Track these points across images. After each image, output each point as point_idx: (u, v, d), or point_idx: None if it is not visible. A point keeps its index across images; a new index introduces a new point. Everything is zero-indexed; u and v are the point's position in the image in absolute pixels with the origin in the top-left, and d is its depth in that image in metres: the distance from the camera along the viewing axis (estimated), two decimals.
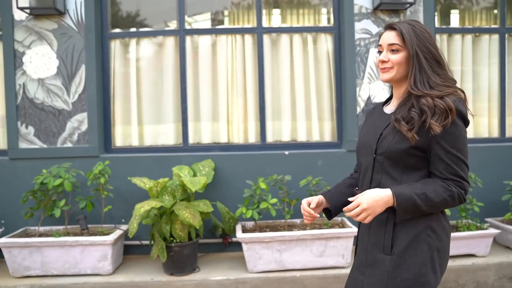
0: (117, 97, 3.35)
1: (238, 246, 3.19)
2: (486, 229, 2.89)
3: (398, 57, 1.31)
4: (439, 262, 1.30)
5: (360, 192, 1.30)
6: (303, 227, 2.95)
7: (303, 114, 3.35)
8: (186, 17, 3.29)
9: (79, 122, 3.20)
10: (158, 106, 3.35)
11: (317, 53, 3.34)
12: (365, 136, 1.43)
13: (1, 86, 3.34)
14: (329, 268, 2.79)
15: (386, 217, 1.30)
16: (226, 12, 3.45)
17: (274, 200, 2.79)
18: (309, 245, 2.75)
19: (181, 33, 3.26)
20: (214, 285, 2.72)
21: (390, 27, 1.35)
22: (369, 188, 1.34)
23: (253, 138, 3.34)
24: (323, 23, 3.41)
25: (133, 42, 3.32)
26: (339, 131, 3.32)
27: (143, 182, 2.86)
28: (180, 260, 2.75)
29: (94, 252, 2.78)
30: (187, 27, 3.30)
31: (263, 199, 2.81)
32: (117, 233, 2.88)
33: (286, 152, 3.22)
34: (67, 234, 2.92)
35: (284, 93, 3.34)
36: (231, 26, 3.39)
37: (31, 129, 3.22)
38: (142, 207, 2.53)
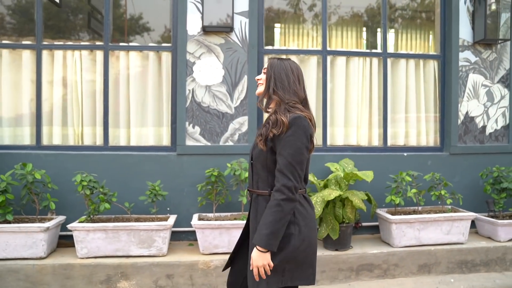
0: None
1: (365, 229, 3.92)
2: None
3: (265, 77, 1.82)
4: (303, 234, 1.69)
5: (251, 188, 1.81)
6: (428, 211, 3.73)
7: (414, 123, 4.15)
8: (328, 39, 3.98)
9: (240, 124, 3.76)
10: None
11: (425, 75, 4.17)
12: (252, 146, 1.86)
13: (168, 91, 3.81)
14: (453, 244, 3.59)
15: (264, 201, 1.72)
16: (357, 38, 4.18)
17: (414, 190, 3.55)
18: (440, 225, 3.54)
19: (324, 53, 3.94)
20: (371, 257, 3.41)
21: (268, 59, 1.90)
22: (253, 186, 1.80)
23: (376, 142, 4.09)
24: (430, 51, 4.26)
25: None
26: (441, 138, 4.16)
27: (311, 177, 3.49)
28: (344, 238, 3.42)
29: None
30: (329, 48, 3.99)
31: (405, 190, 3.56)
32: None
33: (405, 154, 4.00)
34: (241, 218, 3.47)
35: (400, 106, 4.13)
36: (362, 50, 4.13)
37: (197, 129, 3.72)
38: (330, 195, 3.18)
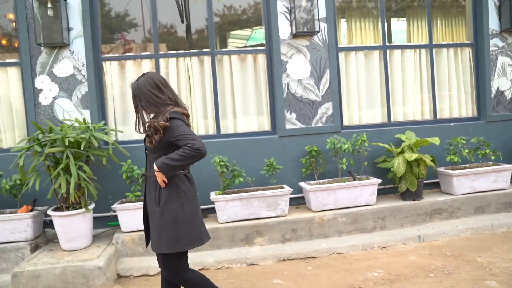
0: (344, 91, 4.85)
1: (425, 186, 4.90)
2: None
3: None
4: (186, 206, 2.19)
5: (146, 173, 2.29)
6: (475, 167, 4.74)
7: (456, 99, 5.16)
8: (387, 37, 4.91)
9: (326, 109, 4.66)
10: (370, 96, 4.92)
11: (462, 60, 5.17)
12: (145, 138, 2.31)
13: (265, 86, 4.66)
14: (499, 190, 4.62)
15: (155, 183, 2.20)
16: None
17: (467, 150, 4.56)
18: (489, 176, 4.57)
19: (384, 48, 4.87)
20: (440, 203, 4.39)
21: (131, 86, 2.25)
22: (149, 171, 2.25)
23: (428, 116, 5.07)
24: (465, 40, 5.26)
25: (352, 54, 4.85)
26: (478, 109, 5.18)
27: (388, 145, 4.45)
28: (419, 190, 4.39)
29: (368, 190, 4.30)
30: (387, 43, 4.92)
31: (460, 150, 4.57)
32: (375, 178, 4.43)
33: (452, 124, 5.00)
34: (342, 181, 4.40)
35: (444, 86, 5.12)
36: (414, 43, 5.08)
37: (293, 115, 4.60)
38: (411, 156, 4.14)
